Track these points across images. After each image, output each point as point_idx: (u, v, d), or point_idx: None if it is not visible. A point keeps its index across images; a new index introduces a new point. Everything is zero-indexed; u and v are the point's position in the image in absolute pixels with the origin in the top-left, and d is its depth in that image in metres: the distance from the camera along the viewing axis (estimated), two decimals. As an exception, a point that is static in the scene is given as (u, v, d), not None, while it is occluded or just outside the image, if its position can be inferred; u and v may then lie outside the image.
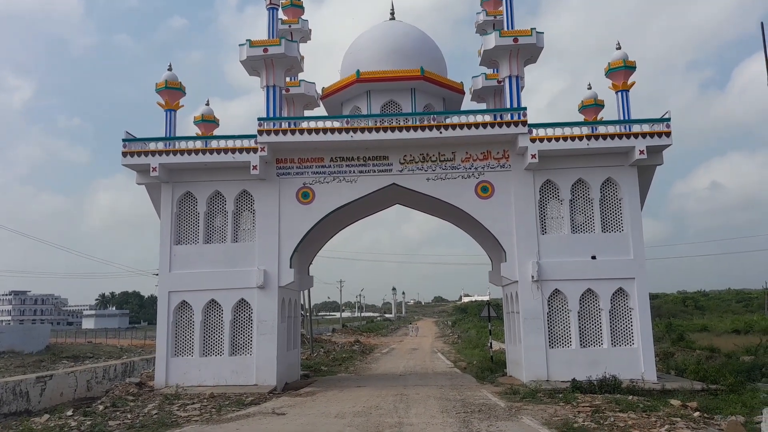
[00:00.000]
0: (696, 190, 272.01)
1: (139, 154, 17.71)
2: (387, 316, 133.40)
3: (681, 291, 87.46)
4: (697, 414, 11.67)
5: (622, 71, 18.06)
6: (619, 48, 18.38)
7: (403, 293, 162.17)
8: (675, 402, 12.86)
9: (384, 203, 21.12)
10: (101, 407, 14.24)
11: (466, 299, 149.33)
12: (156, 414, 13.24)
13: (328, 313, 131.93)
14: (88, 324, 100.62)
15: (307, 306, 34.21)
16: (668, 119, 17.11)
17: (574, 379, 15.59)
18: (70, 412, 13.63)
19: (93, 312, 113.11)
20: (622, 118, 17.80)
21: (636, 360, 16.62)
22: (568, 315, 17.19)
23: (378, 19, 22.49)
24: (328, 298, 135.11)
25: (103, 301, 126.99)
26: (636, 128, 17.15)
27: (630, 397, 13.54)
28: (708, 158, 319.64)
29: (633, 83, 18.18)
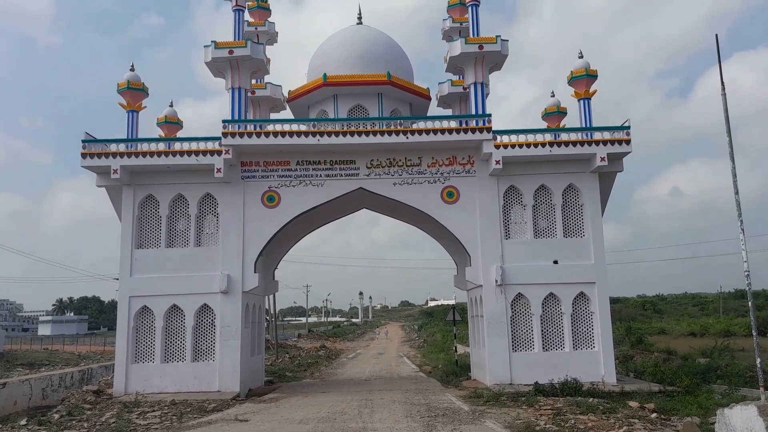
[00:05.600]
0: (658, 196, 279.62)
1: (99, 155, 17.29)
2: (354, 320, 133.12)
3: (641, 295, 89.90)
4: (654, 415, 11.97)
5: (584, 79, 18.45)
6: (581, 57, 18.78)
7: (370, 298, 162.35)
8: (633, 404, 13.15)
9: (351, 207, 21.10)
10: (57, 416, 13.79)
11: (432, 303, 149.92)
12: (114, 422, 12.89)
13: (294, 318, 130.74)
14: (44, 330, 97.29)
15: (272, 311, 33.90)
16: (628, 127, 17.54)
17: (536, 383, 15.81)
18: (24, 422, 13.18)
19: (50, 318, 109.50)
20: (583, 126, 18.20)
21: (596, 363, 16.95)
22: (531, 319, 17.44)
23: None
24: (295, 303, 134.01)
25: (61, 306, 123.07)
26: (597, 135, 17.54)
27: (590, 400, 13.78)
28: (669, 165, 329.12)
29: (595, 91, 18.59)
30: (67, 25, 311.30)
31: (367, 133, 17.51)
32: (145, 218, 17.98)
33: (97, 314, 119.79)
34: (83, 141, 17.40)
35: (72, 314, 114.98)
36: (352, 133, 17.51)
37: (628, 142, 17.43)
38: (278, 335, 38.05)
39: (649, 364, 20.40)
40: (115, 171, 17.15)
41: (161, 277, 17.41)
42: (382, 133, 17.53)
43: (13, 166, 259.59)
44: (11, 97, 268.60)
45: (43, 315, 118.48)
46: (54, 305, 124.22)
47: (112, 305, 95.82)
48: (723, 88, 10.90)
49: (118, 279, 18.15)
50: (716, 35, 11.41)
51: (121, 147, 17.43)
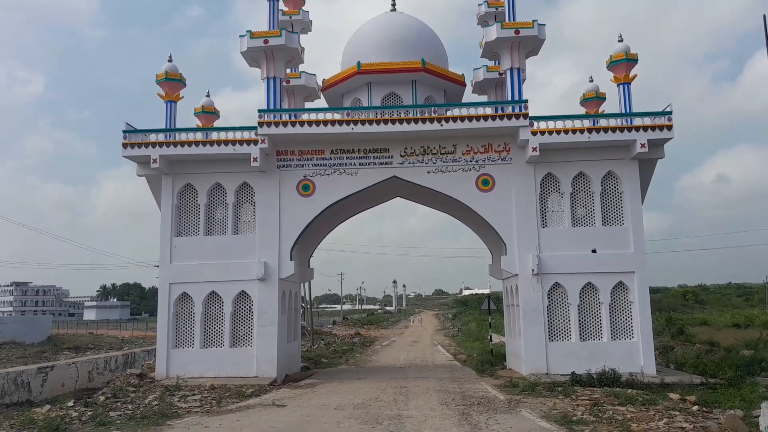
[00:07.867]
0: (702, 183, 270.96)
1: (139, 145, 17.68)
2: (387, 308, 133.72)
3: (682, 285, 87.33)
4: (695, 408, 11.69)
5: (624, 64, 17.98)
6: (621, 40, 18.30)
7: (404, 286, 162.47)
8: (674, 396, 12.88)
9: (385, 196, 21.11)
10: (102, 398, 14.29)
11: (466, 292, 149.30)
12: (156, 405, 13.29)
13: (328, 306, 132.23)
14: (89, 315, 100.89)
15: (307, 298, 34.30)
16: (670, 112, 17.04)
17: (573, 373, 15.62)
18: (71, 403, 13.68)
19: (94, 303, 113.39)
20: (623, 111, 17.75)
21: (635, 354, 16.64)
22: (568, 308, 17.21)
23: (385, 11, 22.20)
24: (329, 290, 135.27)
25: (105, 292, 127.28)
26: (637, 121, 17.11)
27: (629, 391, 13.56)
28: (714, 151, 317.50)
29: (635, 76, 18.10)
30: (111, 19, 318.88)
31: (401, 121, 17.44)
32: (184, 207, 18.35)
33: (138, 300, 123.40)
34: (124, 131, 17.81)
35: (115, 300, 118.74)
36: (385, 122, 17.47)
37: (669, 127, 16.94)
38: (314, 322, 38.51)
39: (690, 356, 19.93)
40: (155, 160, 17.52)
41: (200, 264, 17.77)
42: (416, 120, 17.44)
43: (60, 157, 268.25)
44: (59, 90, 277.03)
45: (87, 300, 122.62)
46: (98, 291, 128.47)
47: (153, 292, 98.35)
48: (772, 71, 10.46)
49: (158, 266, 18.61)
50: (764, 16, 10.96)
51: (160, 137, 17.78)
